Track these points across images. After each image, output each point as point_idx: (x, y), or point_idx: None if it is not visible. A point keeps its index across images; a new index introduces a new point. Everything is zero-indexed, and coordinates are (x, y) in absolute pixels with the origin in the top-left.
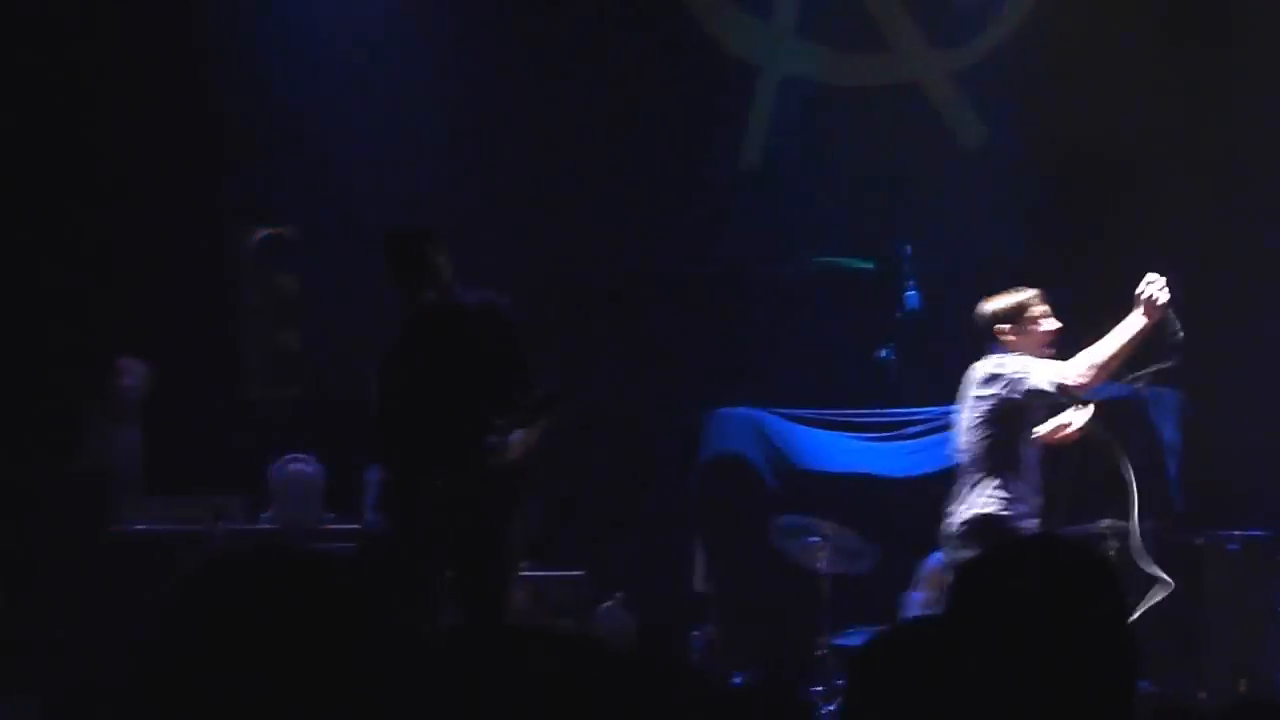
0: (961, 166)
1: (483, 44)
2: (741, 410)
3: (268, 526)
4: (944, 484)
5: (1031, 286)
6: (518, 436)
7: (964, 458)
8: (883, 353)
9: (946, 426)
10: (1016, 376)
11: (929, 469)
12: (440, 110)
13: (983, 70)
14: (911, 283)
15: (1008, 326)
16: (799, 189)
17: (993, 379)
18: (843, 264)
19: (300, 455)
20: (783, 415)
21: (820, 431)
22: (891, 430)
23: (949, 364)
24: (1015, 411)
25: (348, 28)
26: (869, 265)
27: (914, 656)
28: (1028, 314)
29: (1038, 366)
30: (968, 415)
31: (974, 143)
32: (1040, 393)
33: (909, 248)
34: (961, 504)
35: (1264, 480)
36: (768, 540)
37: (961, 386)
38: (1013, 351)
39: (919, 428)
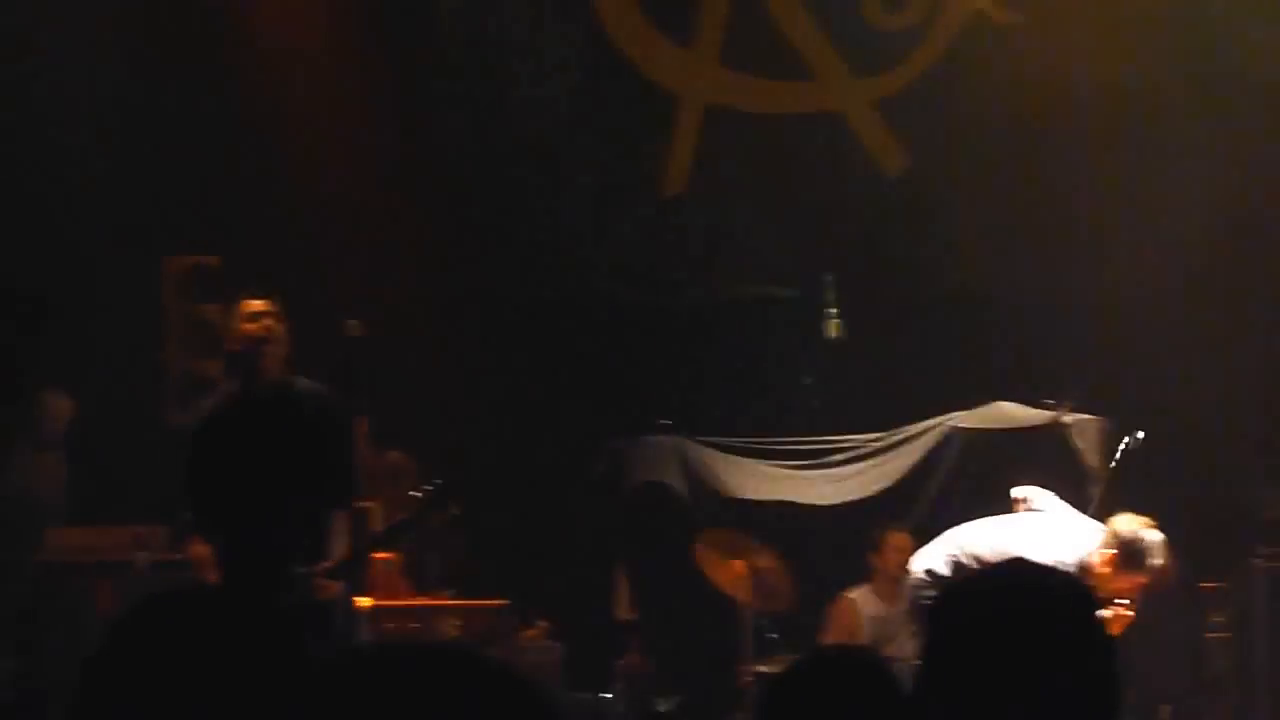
0: (884, 195)
1: (408, 65)
2: (665, 438)
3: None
4: (865, 512)
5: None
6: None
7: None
8: (805, 380)
9: (870, 454)
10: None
11: (852, 497)
12: (362, 132)
13: (905, 99)
14: (833, 311)
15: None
16: (721, 217)
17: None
18: (765, 292)
19: None
20: (706, 443)
21: (744, 460)
22: (814, 458)
23: (870, 392)
24: None
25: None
26: (792, 293)
27: (828, 687)
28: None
29: None
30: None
31: (896, 171)
32: None
33: (830, 276)
34: None
35: (1183, 506)
36: (691, 568)
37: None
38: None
39: (841, 456)
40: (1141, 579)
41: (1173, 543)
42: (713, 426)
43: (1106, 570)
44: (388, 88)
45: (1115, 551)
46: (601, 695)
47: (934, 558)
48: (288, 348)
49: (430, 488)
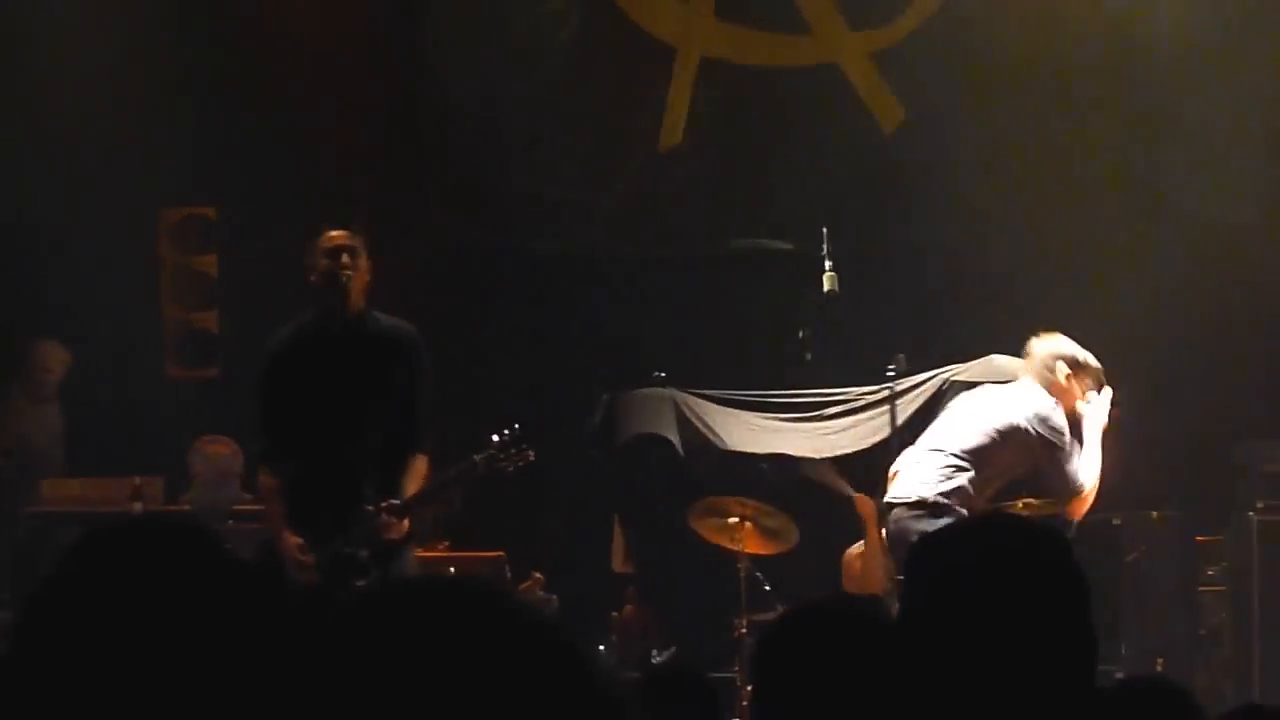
0: (880, 148)
1: (405, 19)
2: (660, 391)
3: (187, 507)
4: (861, 464)
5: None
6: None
7: (953, 445)
8: (800, 334)
9: (864, 407)
10: (1057, 441)
11: (847, 450)
12: (358, 88)
13: (902, 52)
14: (829, 265)
15: (1064, 375)
16: (718, 170)
17: (1042, 420)
18: (760, 245)
19: (219, 436)
20: (701, 396)
21: (738, 412)
22: (809, 411)
23: (866, 346)
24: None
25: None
26: (787, 247)
27: (823, 636)
28: (1089, 383)
29: (1076, 450)
30: (990, 422)
31: (893, 125)
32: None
33: (826, 230)
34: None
35: (1180, 460)
36: (686, 521)
37: (995, 394)
38: (1054, 397)
39: (837, 409)
40: (1098, 376)
41: (1170, 496)
42: (708, 379)
43: (1072, 384)
44: (384, 40)
45: (1065, 365)
46: (598, 647)
47: (915, 484)
48: (368, 278)
49: (507, 432)
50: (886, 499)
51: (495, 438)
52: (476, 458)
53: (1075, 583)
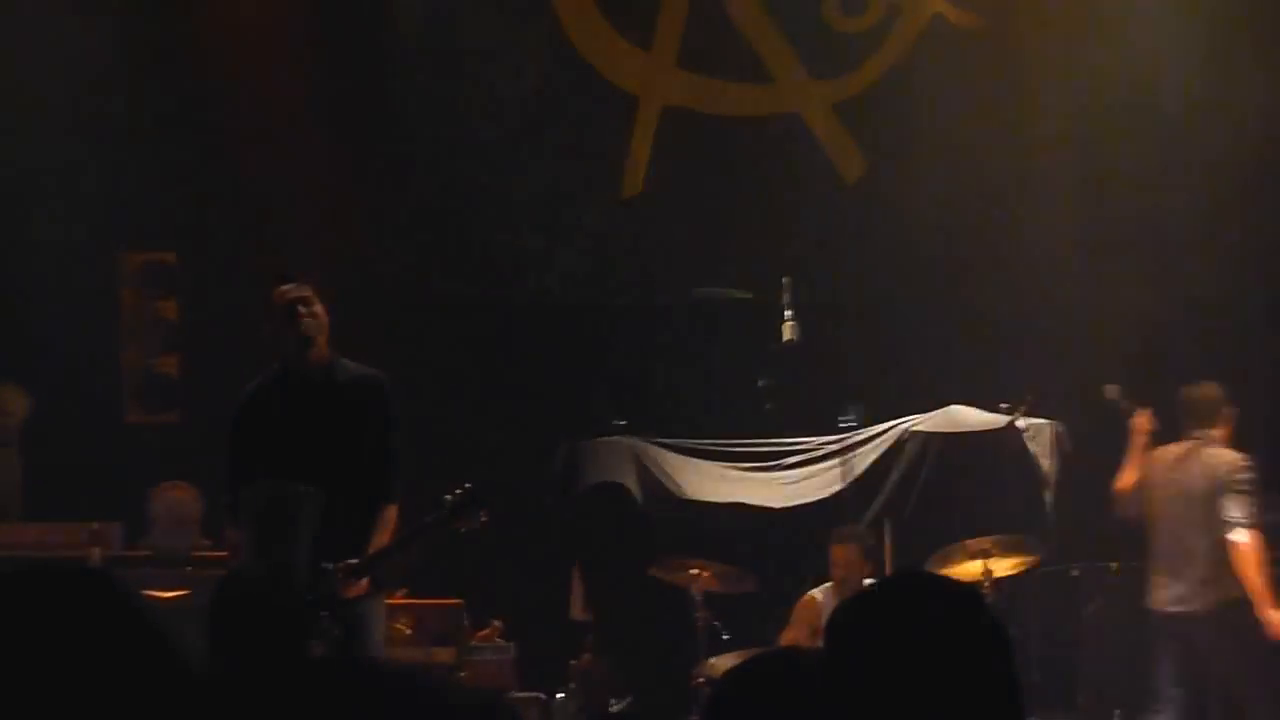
0: (841, 199)
1: (367, 63)
2: (620, 439)
3: (145, 553)
4: (819, 516)
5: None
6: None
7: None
8: (760, 383)
9: (823, 457)
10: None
11: (805, 499)
12: (321, 136)
13: (864, 102)
14: (789, 314)
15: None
16: (679, 219)
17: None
18: (722, 294)
19: (178, 482)
20: (661, 444)
21: (698, 461)
22: (768, 460)
23: (825, 396)
24: None
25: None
26: (747, 296)
27: (771, 690)
28: None
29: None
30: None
31: (854, 175)
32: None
33: (786, 279)
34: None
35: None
36: (645, 569)
37: (1210, 469)
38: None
39: (795, 458)
40: None
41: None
42: (668, 427)
43: None
44: (346, 86)
45: None
46: (556, 695)
47: None
48: (327, 321)
49: (460, 491)
50: None
51: (448, 497)
52: (428, 519)
53: (994, 635)
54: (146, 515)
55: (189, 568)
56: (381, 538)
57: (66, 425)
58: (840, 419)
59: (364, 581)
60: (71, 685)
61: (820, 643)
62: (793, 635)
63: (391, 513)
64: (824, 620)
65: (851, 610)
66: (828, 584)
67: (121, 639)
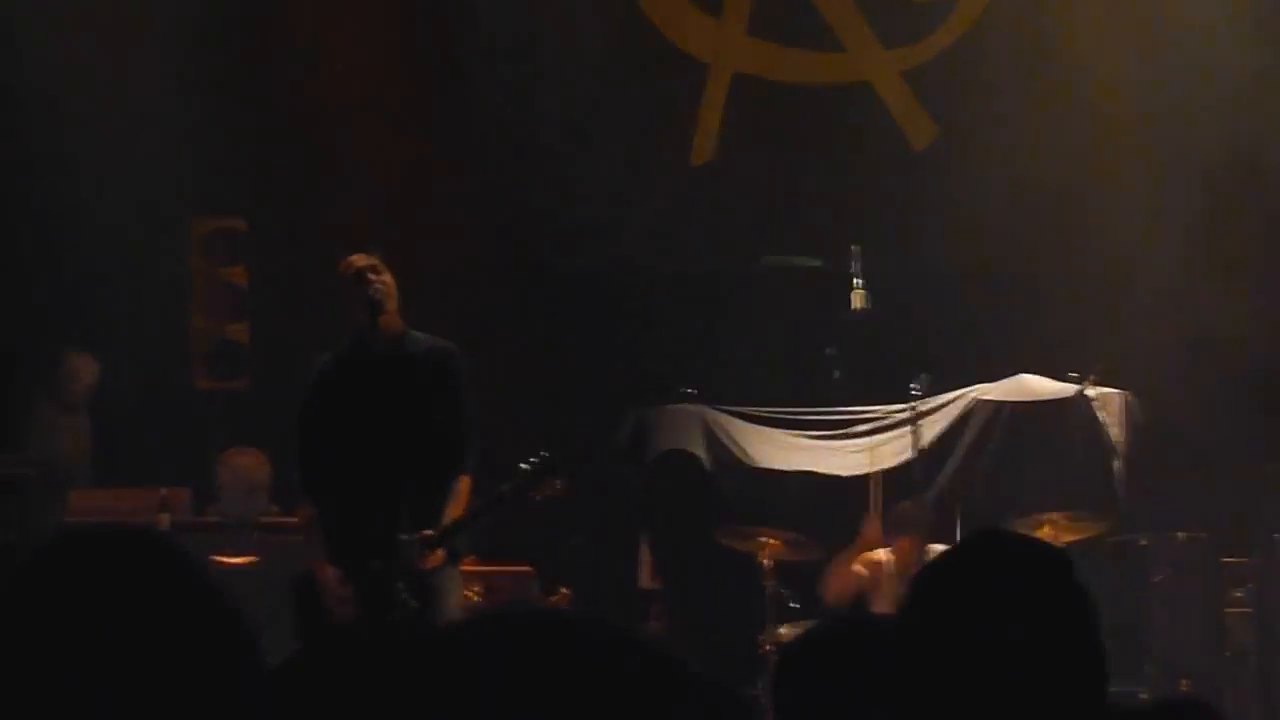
0: (911, 166)
1: (440, 35)
2: (688, 407)
3: (213, 519)
4: (887, 484)
5: None
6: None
7: None
8: (829, 351)
9: (891, 426)
10: None
11: (872, 469)
12: (390, 103)
13: (934, 70)
14: (859, 282)
15: None
16: (748, 187)
17: None
18: (791, 262)
19: (247, 448)
20: (729, 412)
21: (766, 429)
22: (837, 429)
23: (894, 364)
24: None
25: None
26: (817, 264)
27: (842, 654)
28: None
29: None
30: None
31: (924, 142)
32: None
33: (857, 247)
34: None
35: (1208, 481)
36: (714, 536)
37: None
38: None
39: (864, 426)
40: None
41: (1196, 517)
42: (737, 396)
43: None
44: (420, 57)
45: None
46: None
47: None
48: (396, 294)
49: (536, 460)
50: None
51: (524, 466)
52: (504, 488)
53: (1079, 602)
54: (215, 481)
55: (257, 534)
56: (455, 508)
57: (136, 392)
58: (911, 385)
59: (440, 552)
60: (128, 650)
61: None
62: (835, 591)
63: (465, 483)
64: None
65: (939, 569)
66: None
67: (181, 604)
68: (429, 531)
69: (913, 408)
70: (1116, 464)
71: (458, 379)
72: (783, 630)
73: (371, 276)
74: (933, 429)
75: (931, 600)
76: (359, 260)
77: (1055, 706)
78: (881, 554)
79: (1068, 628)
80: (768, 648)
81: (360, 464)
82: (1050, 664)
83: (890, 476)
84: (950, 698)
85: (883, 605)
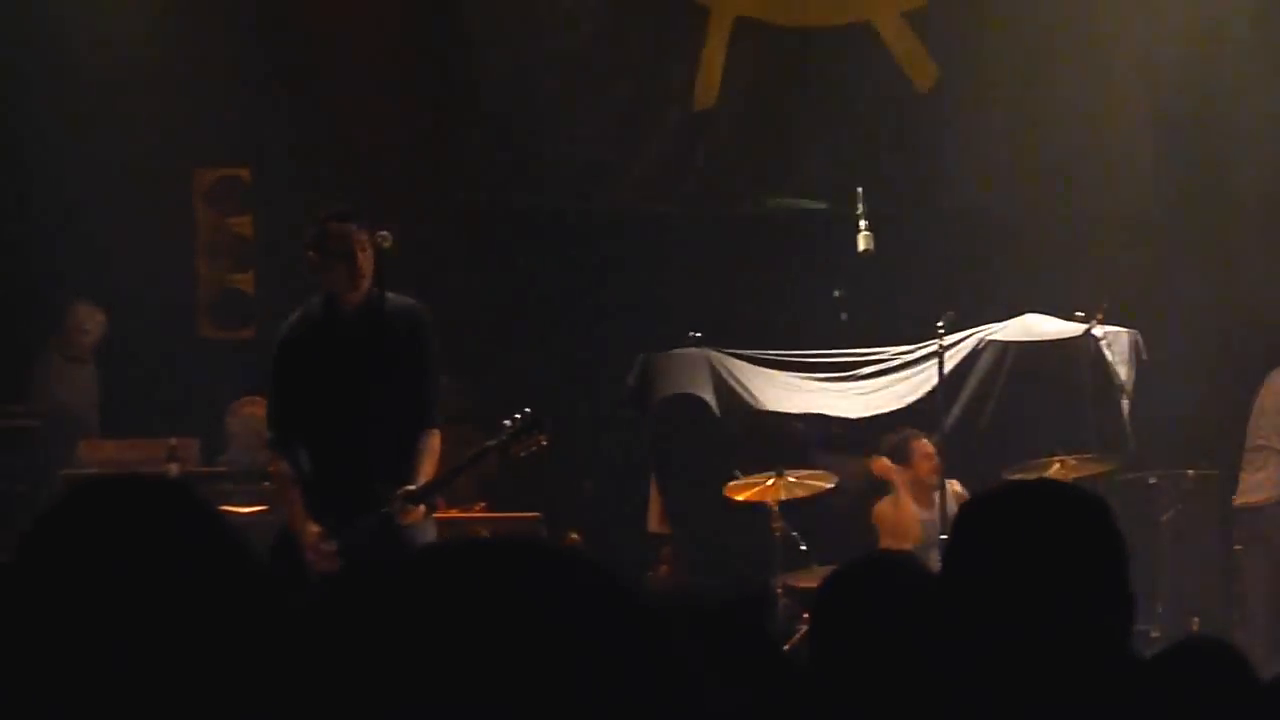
0: (914, 108)
1: None
2: (695, 351)
3: (222, 469)
4: (893, 426)
5: None
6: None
7: None
8: (835, 293)
9: (900, 367)
10: None
11: (881, 410)
12: (391, 49)
13: (936, 11)
14: (864, 224)
15: None
16: (752, 130)
17: None
18: (795, 205)
19: (255, 398)
20: (736, 355)
21: (773, 372)
22: (844, 371)
23: (900, 306)
24: None
25: None
26: (821, 206)
27: (884, 589)
28: None
29: None
30: None
31: (926, 84)
32: None
33: (861, 189)
34: None
35: (1212, 420)
36: (722, 482)
37: None
38: None
39: (871, 369)
40: None
41: (1207, 454)
42: (743, 339)
43: None
44: (421, 3)
45: None
46: None
47: None
48: (374, 263)
49: (519, 416)
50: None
51: (508, 423)
52: (489, 444)
53: (1116, 547)
54: (223, 432)
55: (266, 483)
56: (428, 464)
57: (143, 342)
58: (938, 324)
59: (421, 507)
60: (147, 595)
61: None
62: (884, 540)
63: (435, 439)
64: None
65: (982, 511)
66: (903, 493)
67: (200, 548)
68: (411, 487)
69: (919, 349)
70: (1124, 402)
71: (427, 338)
72: (791, 575)
73: (353, 239)
74: (939, 370)
75: (974, 541)
76: (336, 224)
77: (1085, 647)
78: (887, 501)
79: (1104, 571)
80: (777, 591)
81: (334, 421)
82: (1085, 607)
83: (898, 418)
84: (988, 636)
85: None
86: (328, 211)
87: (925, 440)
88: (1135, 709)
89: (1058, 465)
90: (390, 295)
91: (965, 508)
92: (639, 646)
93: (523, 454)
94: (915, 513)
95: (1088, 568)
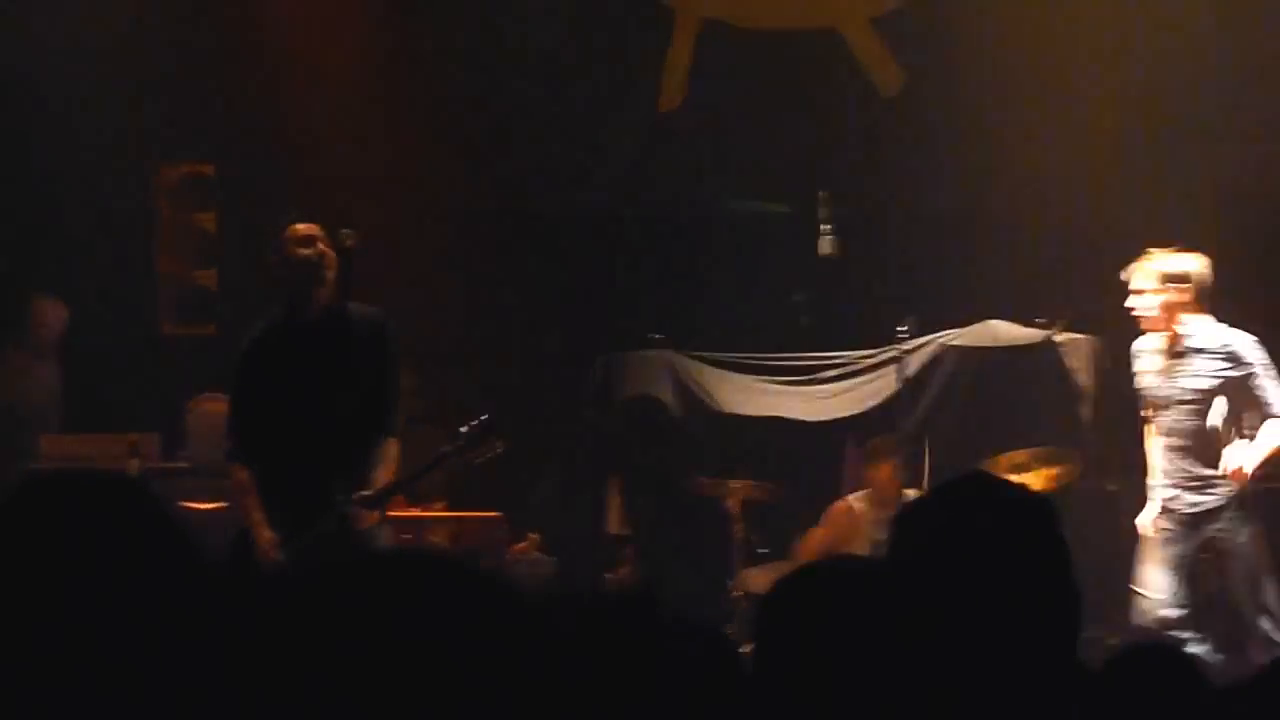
0: (879, 113)
1: None
2: (656, 352)
3: (183, 464)
4: (855, 429)
5: None
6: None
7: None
8: (797, 297)
9: (861, 371)
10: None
11: (841, 414)
12: (358, 47)
13: (903, 16)
14: (826, 228)
15: None
16: (716, 132)
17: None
18: (759, 208)
19: (216, 394)
20: (697, 358)
21: (734, 375)
22: (805, 374)
23: (862, 310)
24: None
25: None
26: (784, 210)
27: (827, 596)
28: None
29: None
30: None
31: (892, 89)
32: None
33: (824, 193)
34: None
35: None
36: (681, 482)
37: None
38: None
39: (832, 373)
40: None
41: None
42: (705, 341)
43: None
44: (389, 3)
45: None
46: None
47: None
48: (336, 270)
49: (476, 423)
50: None
51: (464, 429)
52: (446, 449)
53: (1055, 546)
54: (184, 428)
55: (227, 480)
56: (385, 471)
57: (104, 338)
58: (899, 328)
59: (376, 513)
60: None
61: (853, 549)
62: (823, 535)
63: (393, 446)
64: (862, 527)
65: (922, 510)
66: (863, 492)
67: (149, 545)
68: (367, 493)
69: (892, 351)
70: (1084, 410)
71: (389, 346)
72: (750, 575)
73: (320, 248)
74: (900, 375)
75: (914, 541)
76: (307, 229)
77: (1031, 651)
78: (852, 500)
79: (1047, 572)
80: (737, 593)
81: (295, 427)
82: (1028, 608)
83: (857, 422)
84: (931, 638)
85: (860, 547)
86: (289, 215)
87: (889, 441)
88: (1080, 712)
89: (1016, 472)
90: (352, 304)
91: (902, 510)
92: (515, 646)
93: (479, 460)
94: (872, 516)
95: (1025, 567)
